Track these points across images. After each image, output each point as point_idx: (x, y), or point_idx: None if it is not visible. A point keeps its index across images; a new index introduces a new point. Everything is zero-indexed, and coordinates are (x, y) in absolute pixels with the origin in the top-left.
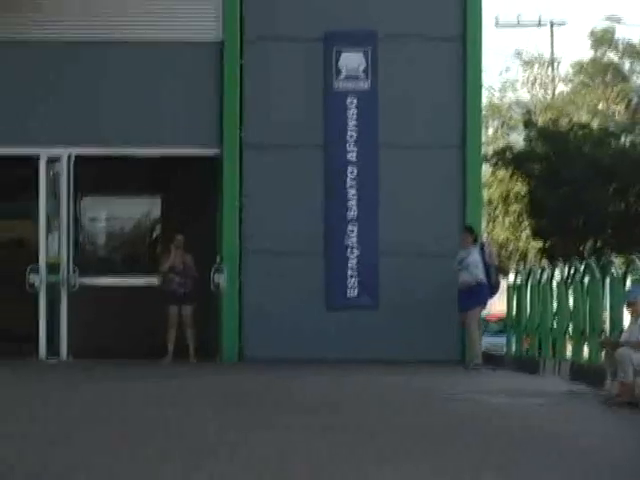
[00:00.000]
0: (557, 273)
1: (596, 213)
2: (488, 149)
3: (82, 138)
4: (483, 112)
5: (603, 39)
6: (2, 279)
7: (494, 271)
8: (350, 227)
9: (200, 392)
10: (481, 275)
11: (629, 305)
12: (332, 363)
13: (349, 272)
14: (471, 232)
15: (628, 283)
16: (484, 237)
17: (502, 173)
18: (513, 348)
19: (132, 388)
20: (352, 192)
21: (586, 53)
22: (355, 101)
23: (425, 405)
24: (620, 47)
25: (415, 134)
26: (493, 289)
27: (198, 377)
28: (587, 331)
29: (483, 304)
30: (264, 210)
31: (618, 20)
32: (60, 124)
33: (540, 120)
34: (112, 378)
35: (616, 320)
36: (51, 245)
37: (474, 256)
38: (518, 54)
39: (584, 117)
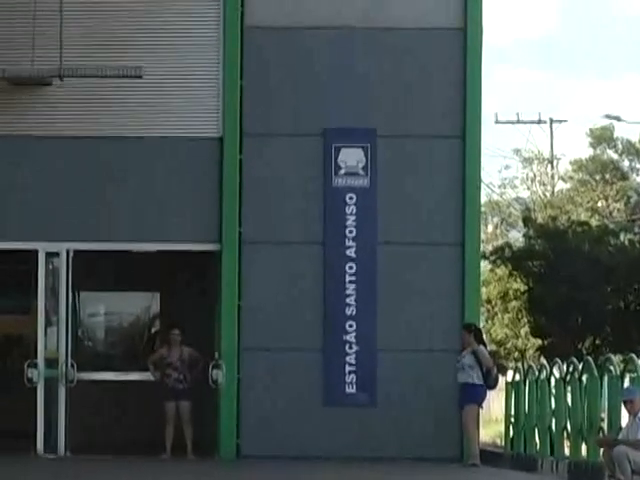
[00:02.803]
0: (555, 371)
1: (595, 311)
2: (487, 246)
3: (81, 233)
4: (482, 209)
5: (602, 137)
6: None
7: (492, 373)
8: (349, 323)
9: None
10: (475, 376)
11: (626, 403)
12: (330, 460)
13: (347, 368)
14: (470, 331)
15: (626, 381)
16: (472, 336)
17: (501, 271)
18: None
19: None
20: (351, 288)
21: (585, 151)
22: (354, 197)
23: None
24: (619, 145)
25: (414, 231)
26: (489, 387)
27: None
28: (585, 429)
29: (478, 403)
30: (263, 306)
31: (617, 118)
32: (59, 219)
33: (539, 217)
34: (104, 476)
35: (614, 418)
36: (49, 340)
37: (469, 357)
38: (517, 151)
39: (583, 215)
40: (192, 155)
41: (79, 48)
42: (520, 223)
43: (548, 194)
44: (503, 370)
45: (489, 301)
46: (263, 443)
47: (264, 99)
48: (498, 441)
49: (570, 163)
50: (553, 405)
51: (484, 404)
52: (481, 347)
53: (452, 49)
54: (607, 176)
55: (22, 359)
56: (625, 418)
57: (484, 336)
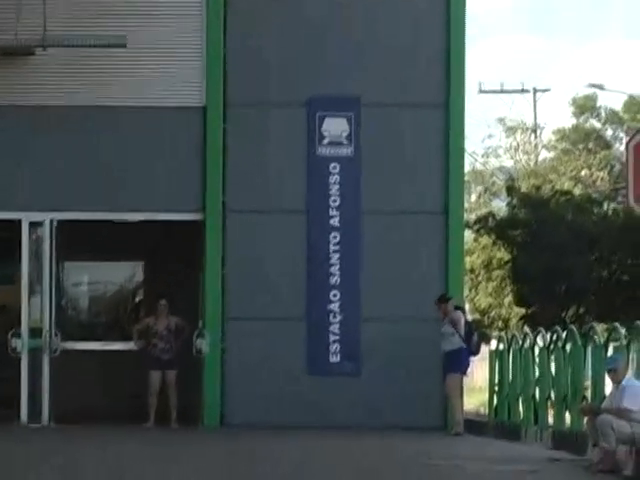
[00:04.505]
0: (539, 340)
1: (578, 280)
2: (471, 215)
3: (65, 203)
4: (466, 178)
5: (585, 106)
6: None
7: (472, 338)
8: (333, 292)
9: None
10: (457, 342)
11: (610, 372)
12: (314, 429)
13: (331, 337)
14: (442, 302)
15: (610, 350)
16: (449, 304)
17: (485, 240)
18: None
19: (104, 456)
20: (335, 257)
21: (569, 120)
22: (338, 167)
23: (404, 471)
24: (603, 114)
25: (398, 200)
26: (472, 353)
27: (170, 445)
28: (569, 398)
29: (462, 371)
30: (247, 275)
31: (601, 87)
32: (42, 188)
33: (523, 186)
34: (88, 445)
35: (598, 387)
36: (33, 309)
37: (447, 325)
38: (501, 120)
39: (566, 184)
40: (176, 124)
41: (63, 18)
42: (504, 192)
43: (532, 163)
44: (486, 339)
45: (472, 270)
46: (247, 412)
47: (248, 68)
48: (482, 410)
49: (553, 132)
50: (537, 374)
51: (468, 372)
52: (457, 312)
53: (436, 18)
54: (590, 145)
55: (6, 329)
56: (609, 387)
57: (462, 304)
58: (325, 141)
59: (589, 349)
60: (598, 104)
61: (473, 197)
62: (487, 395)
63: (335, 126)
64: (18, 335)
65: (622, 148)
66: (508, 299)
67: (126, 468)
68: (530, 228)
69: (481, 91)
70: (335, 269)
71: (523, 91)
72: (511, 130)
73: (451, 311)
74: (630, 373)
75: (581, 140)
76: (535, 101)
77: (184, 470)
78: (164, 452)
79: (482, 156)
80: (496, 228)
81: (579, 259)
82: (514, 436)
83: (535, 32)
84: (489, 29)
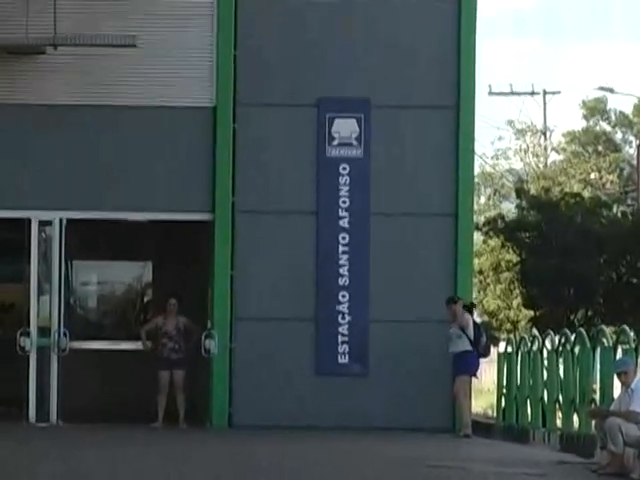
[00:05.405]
0: (548, 342)
1: (587, 282)
2: (480, 217)
3: (74, 202)
4: (475, 180)
5: (595, 109)
6: None
7: (481, 340)
8: (342, 293)
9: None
10: (464, 344)
11: (620, 375)
12: (322, 430)
13: (340, 338)
14: (453, 303)
15: (619, 353)
16: (457, 306)
17: (493, 242)
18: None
19: (111, 456)
20: (344, 258)
21: (578, 123)
22: (348, 168)
23: (411, 473)
24: (612, 117)
25: (407, 202)
26: (481, 355)
27: (181, 445)
28: (577, 401)
29: (471, 373)
30: (256, 276)
31: (610, 90)
32: (52, 188)
33: (532, 188)
34: (95, 444)
35: (606, 390)
36: (42, 308)
37: (455, 327)
38: (511, 123)
39: (576, 186)
40: (186, 124)
41: (73, 17)
42: (513, 194)
43: (541, 165)
44: (494, 341)
45: (481, 272)
46: (255, 412)
47: (258, 68)
48: (490, 412)
49: (563, 135)
50: (545, 376)
51: (477, 373)
52: (465, 315)
53: (447, 19)
54: (600, 148)
55: (15, 327)
56: (617, 389)
57: (471, 307)
58: (335, 142)
59: (597, 352)
60: (608, 107)
61: (482, 199)
62: (495, 397)
63: (345, 127)
64: (27, 334)
65: (632, 151)
66: (517, 301)
67: (133, 468)
68: (539, 230)
69: (491, 93)
70: (344, 270)
71: (533, 93)
72: (521, 132)
73: (460, 313)
74: (639, 376)
75: (591, 143)
76: (545, 103)
77: (191, 471)
78: (172, 452)
79: (492, 158)
80: (505, 230)
81: (588, 262)
82: (522, 438)
83: (545, 35)
84: (499, 31)
